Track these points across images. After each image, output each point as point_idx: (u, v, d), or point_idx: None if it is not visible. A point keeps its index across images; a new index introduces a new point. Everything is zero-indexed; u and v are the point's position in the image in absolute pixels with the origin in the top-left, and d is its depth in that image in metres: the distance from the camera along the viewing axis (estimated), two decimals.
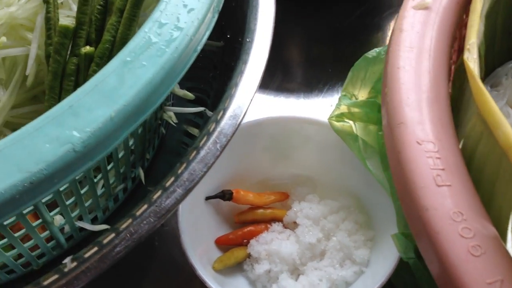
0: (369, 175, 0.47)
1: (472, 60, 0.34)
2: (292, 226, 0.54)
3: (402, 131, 0.33)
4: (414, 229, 0.31)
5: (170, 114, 0.50)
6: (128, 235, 0.34)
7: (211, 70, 0.54)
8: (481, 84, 0.32)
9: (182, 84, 0.50)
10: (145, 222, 0.35)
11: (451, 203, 0.29)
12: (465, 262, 0.28)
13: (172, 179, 0.37)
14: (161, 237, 0.57)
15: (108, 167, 0.41)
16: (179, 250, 0.48)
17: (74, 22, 0.46)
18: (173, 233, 0.55)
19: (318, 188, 0.56)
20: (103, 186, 0.44)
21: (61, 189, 0.35)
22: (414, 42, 0.37)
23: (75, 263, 0.34)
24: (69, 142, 0.30)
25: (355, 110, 0.47)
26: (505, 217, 0.31)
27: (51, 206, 0.38)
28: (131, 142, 0.42)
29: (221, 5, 0.39)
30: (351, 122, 0.48)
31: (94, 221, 0.45)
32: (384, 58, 0.46)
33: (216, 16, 0.39)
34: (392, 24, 0.77)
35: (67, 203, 0.39)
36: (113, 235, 0.35)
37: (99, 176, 0.42)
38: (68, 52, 0.45)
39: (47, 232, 0.41)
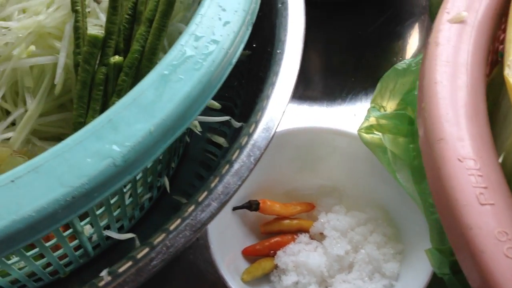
0: (398, 187, 0.47)
1: None
2: (319, 237, 0.54)
3: (442, 147, 0.32)
4: (456, 247, 0.31)
5: (195, 123, 0.50)
6: (164, 248, 0.34)
7: (237, 79, 0.54)
8: None
9: None
10: (180, 235, 0.34)
11: (495, 222, 0.29)
12: (511, 282, 0.28)
13: (205, 193, 0.37)
14: None
15: (137, 178, 0.41)
16: (203, 259, 0.48)
17: (103, 32, 0.46)
18: (196, 243, 0.55)
19: (344, 199, 0.56)
20: (130, 195, 0.44)
21: None
22: (450, 56, 0.37)
23: (110, 277, 0.34)
24: (110, 157, 0.30)
25: (384, 122, 0.47)
26: None
27: (81, 216, 0.38)
28: None
29: (255, 18, 0.39)
30: (380, 134, 0.48)
31: (120, 229, 0.45)
32: (415, 70, 0.46)
33: (250, 28, 0.39)
34: (412, 32, 0.77)
35: (97, 213, 0.40)
36: (147, 249, 0.35)
37: (128, 186, 0.42)
38: (97, 62, 0.46)
39: (76, 241, 0.42)
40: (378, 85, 0.50)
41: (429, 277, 0.46)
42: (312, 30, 0.74)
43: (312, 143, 0.55)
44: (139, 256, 0.35)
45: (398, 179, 0.46)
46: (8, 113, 0.49)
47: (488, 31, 0.39)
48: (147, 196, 0.48)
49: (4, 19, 0.51)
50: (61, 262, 0.42)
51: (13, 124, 0.49)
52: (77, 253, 0.44)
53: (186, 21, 0.49)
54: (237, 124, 0.46)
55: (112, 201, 0.41)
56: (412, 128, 0.45)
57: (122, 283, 0.33)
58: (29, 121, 0.48)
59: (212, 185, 0.38)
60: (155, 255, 0.34)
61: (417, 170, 0.43)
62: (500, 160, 0.34)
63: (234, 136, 0.46)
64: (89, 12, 0.49)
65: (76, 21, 0.47)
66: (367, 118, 0.48)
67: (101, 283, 0.34)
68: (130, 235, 0.41)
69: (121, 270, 0.35)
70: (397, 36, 0.76)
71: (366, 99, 0.68)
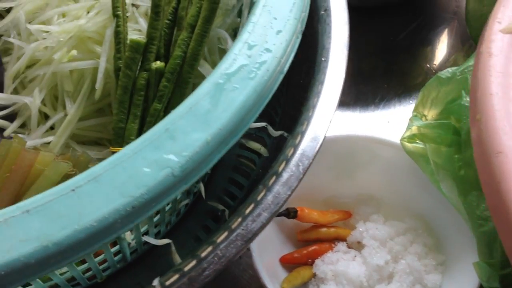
0: (438, 197, 0.46)
1: None
2: (356, 246, 0.53)
3: (501, 161, 0.32)
4: None
5: None
6: (216, 259, 0.34)
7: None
8: None
9: None
10: (232, 246, 0.34)
11: None
12: None
13: (252, 205, 0.37)
14: None
15: None
16: (238, 266, 0.48)
17: (143, 36, 0.46)
18: None
19: (382, 208, 0.55)
20: (169, 202, 0.44)
21: None
22: (504, 67, 0.37)
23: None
24: (168, 167, 0.30)
25: (427, 131, 0.46)
26: None
27: None
28: None
29: (304, 26, 0.39)
30: (422, 143, 0.47)
31: (156, 235, 0.45)
32: (460, 79, 0.46)
33: (300, 37, 0.38)
34: (442, 38, 0.76)
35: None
36: (194, 261, 0.35)
37: None
38: (138, 67, 0.45)
39: (117, 247, 0.42)
40: (420, 93, 0.50)
41: None
42: None
43: (351, 151, 0.54)
44: (186, 268, 0.35)
45: (441, 190, 0.45)
46: (46, 117, 0.49)
47: None
48: (184, 202, 0.48)
49: (43, 23, 0.51)
50: (100, 267, 0.43)
51: (51, 128, 0.49)
52: (116, 258, 0.44)
53: (225, 26, 0.49)
54: (274, 132, 0.46)
55: None
56: (457, 138, 0.44)
57: None
58: (69, 125, 0.48)
59: (260, 196, 0.37)
60: (207, 266, 0.34)
61: (463, 182, 0.42)
62: None
63: (278, 147, 0.45)
64: (127, 16, 0.49)
65: (117, 26, 0.47)
66: (409, 127, 0.48)
67: None
68: (166, 241, 0.41)
69: (168, 282, 0.34)
70: (428, 42, 0.75)
71: (400, 106, 0.67)
